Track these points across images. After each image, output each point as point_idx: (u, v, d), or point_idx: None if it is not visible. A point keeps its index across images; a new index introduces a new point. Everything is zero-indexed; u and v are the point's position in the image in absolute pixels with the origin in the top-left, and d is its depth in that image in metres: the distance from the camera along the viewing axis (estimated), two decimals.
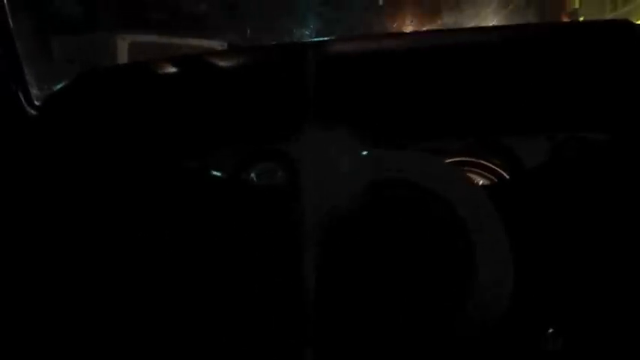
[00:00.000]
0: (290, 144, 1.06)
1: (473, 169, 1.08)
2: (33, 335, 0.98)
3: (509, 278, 0.89)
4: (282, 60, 1.04)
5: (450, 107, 1.02)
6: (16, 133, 1.06)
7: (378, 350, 0.90)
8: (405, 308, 0.89)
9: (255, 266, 0.95)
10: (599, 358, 0.92)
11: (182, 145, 1.06)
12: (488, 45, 0.98)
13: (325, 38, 1.06)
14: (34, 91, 1.15)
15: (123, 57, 2.17)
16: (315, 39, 1.07)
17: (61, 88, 1.04)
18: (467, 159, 1.08)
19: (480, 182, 1.07)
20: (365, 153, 0.96)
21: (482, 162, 1.08)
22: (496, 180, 1.06)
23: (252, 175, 1.08)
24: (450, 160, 1.08)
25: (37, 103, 1.12)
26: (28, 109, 1.10)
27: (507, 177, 1.05)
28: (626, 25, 0.95)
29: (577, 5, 4.41)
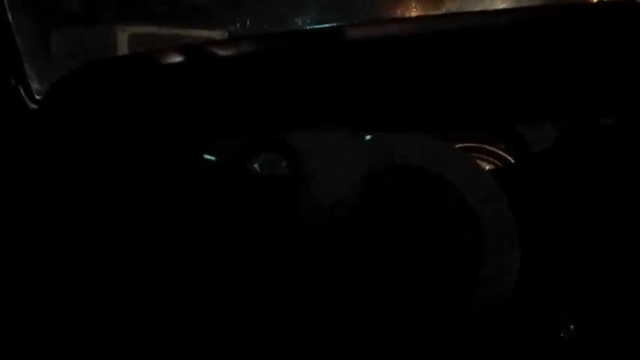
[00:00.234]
0: (293, 133, 1.05)
1: (479, 154, 1.07)
2: (33, 331, 0.98)
3: (516, 266, 0.88)
4: (283, 48, 1.03)
5: (456, 93, 1.01)
6: (18, 127, 1.06)
7: (385, 338, 0.90)
8: (411, 296, 0.89)
9: (260, 256, 0.95)
10: (610, 346, 0.92)
11: (184, 135, 1.06)
12: (495, 29, 0.96)
13: (327, 25, 1.05)
14: (35, 86, 1.14)
15: (123, 49, 2.16)
16: (317, 26, 1.06)
17: (60, 80, 1.04)
18: (473, 144, 1.07)
19: (487, 168, 1.07)
20: (369, 137, 0.95)
21: (488, 147, 1.07)
22: (503, 166, 1.06)
23: (256, 165, 1.08)
24: (457, 145, 1.07)
25: (37, 97, 1.12)
26: (29, 103, 1.09)
27: (514, 162, 1.04)
28: (632, 6, 0.94)
29: None
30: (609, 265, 0.92)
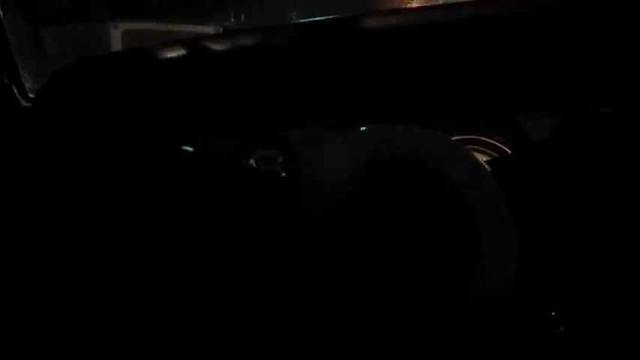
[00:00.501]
0: (290, 128, 1.05)
1: (477, 146, 1.07)
2: (33, 327, 0.98)
3: (514, 261, 0.88)
4: (279, 41, 1.02)
5: (453, 84, 1.00)
6: (11, 125, 1.05)
7: (381, 332, 0.90)
8: (407, 289, 0.89)
9: (256, 250, 0.95)
10: (603, 342, 0.91)
11: (180, 132, 1.05)
12: (492, 18, 0.96)
13: (321, 18, 1.05)
14: (28, 84, 1.14)
15: (117, 46, 2.15)
16: (311, 19, 1.05)
17: (53, 76, 1.03)
18: (470, 136, 1.07)
19: (484, 159, 1.06)
20: (365, 129, 0.94)
21: (485, 139, 1.07)
22: (500, 157, 1.05)
23: (252, 161, 1.08)
24: (454, 138, 1.07)
25: (31, 95, 1.11)
26: (23, 102, 1.09)
27: (511, 154, 1.04)
28: None
29: None
30: (607, 259, 0.92)
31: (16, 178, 1.00)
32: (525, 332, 0.92)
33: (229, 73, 1.02)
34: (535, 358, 0.92)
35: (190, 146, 1.04)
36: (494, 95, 1.02)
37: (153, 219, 0.99)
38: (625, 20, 0.93)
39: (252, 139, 1.06)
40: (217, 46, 1.04)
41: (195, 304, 0.97)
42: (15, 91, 1.09)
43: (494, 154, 1.07)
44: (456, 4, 0.98)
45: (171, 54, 1.03)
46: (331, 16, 1.03)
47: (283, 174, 1.04)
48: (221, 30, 2.25)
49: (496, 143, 1.07)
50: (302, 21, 1.07)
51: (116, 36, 2.13)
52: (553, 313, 0.92)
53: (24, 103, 1.09)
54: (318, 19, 1.04)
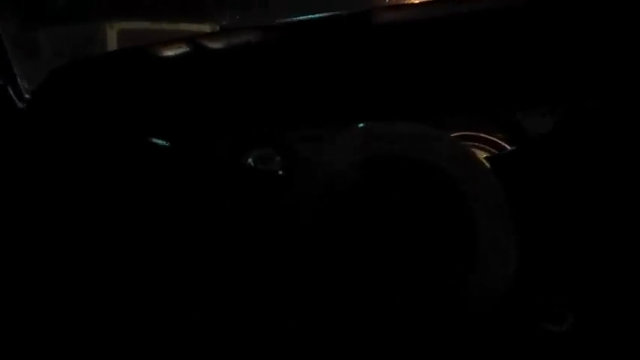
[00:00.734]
0: (287, 127, 1.04)
1: (476, 143, 1.07)
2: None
3: (513, 259, 0.87)
4: (277, 40, 1.02)
5: (451, 79, 1.00)
6: (7, 126, 1.05)
7: (377, 331, 0.89)
8: (404, 288, 0.88)
9: (254, 249, 0.94)
10: (609, 340, 0.91)
11: (175, 131, 1.05)
12: (489, 12, 0.95)
13: (317, 15, 1.04)
14: (24, 85, 1.13)
15: (112, 45, 2.15)
16: (306, 16, 1.05)
17: (49, 76, 1.03)
18: (470, 133, 1.07)
19: (484, 156, 1.06)
20: (362, 126, 0.94)
21: (485, 136, 1.06)
22: (499, 154, 1.05)
23: (250, 160, 1.07)
24: (453, 134, 1.06)
25: (27, 96, 1.10)
26: (18, 102, 1.08)
27: (511, 150, 1.04)
28: None
29: None
30: (608, 256, 0.91)
31: (11, 178, 1.00)
32: (524, 330, 0.91)
33: (226, 72, 1.02)
34: (534, 356, 0.92)
35: (187, 146, 1.04)
36: (493, 90, 1.02)
37: (149, 218, 0.98)
38: (623, 14, 0.92)
39: (249, 139, 1.06)
40: (214, 45, 1.03)
41: (193, 304, 0.96)
42: (10, 91, 1.08)
43: (493, 150, 1.07)
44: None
45: (169, 52, 1.03)
46: (328, 14, 1.03)
47: (281, 172, 1.04)
48: (218, 28, 2.24)
49: (496, 140, 1.06)
50: (298, 19, 1.06)
51: (112, 35, 2.12)
52: (553, 311, 0.91)
53: (19, 104, 1.08)
54: (314, 16, 1.04)
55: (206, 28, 2.24)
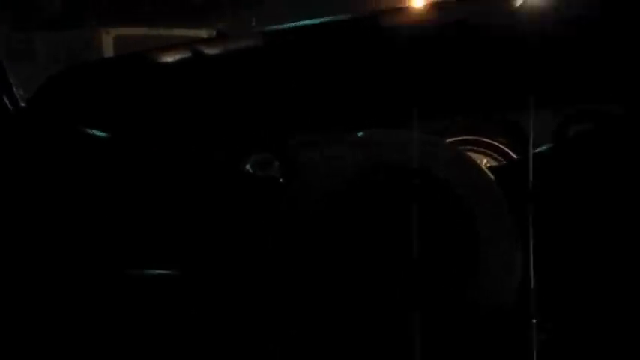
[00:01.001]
0: (285, 133, 1.03)
1: (477, 147, 1.06)
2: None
3: (516, 270, 0.86)
4: (272, 45, 1.01)
5: (453, 83, 0.99)
6: (3, 132, 1.04)
7: (377, 336, 0.89)
8: (404, 297, 0.87)
9: (253, 253, 0.94)
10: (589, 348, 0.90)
11: (172, 136, 1.04)
12: (493, 14, 0.94)
13: (312, 21, 1.04)
14: (20, 92, 1.12)
15: (109, 51, 2.15)
16: (302, 22, 1.04)
17: (48, 81, 1.02)
18: (470, 137, 1.06)
19: (485, 161, 1.05)
20: (361, 133, 0.93)
21: (486, 140, 1.06)
22: (502, 159, 1.04)
23: (248, 166, 1.06)
24: (454, 139, 1.05)
25: (22, 104, 1.09)
26: (13, 110, 1.07)
27: (514, 156, 1.03)
28: None
29: None
30: (613, 265, 0.90)
31: (9, 182, 0.99)
32: (513, 336, 0.91)
33: (224, 78, 1.01)
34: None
35: (186, 151, 1.03)
36: (493, 93, 1.01)
37: (149, 222, 0.98)
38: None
39: (247, 145, 1.05)
40: (211, 51, 1.02)
41: (194, 303, 0.96)
42: (5, 99, 1.07)
43: (495, 155, 1.06)
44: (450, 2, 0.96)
45: (167, 58, 1.02)
46: (323, 19, 1.02)
47: (279, 179, 1.03)
48: (214, 34, 2.24)
49: (497, 144, 1.05)
50: (295, 24, 1.06)
51: (108, 41, 2.12)
52: (552, 321, 0.90)
53: (15, 111, 1.07)
54: (311, 21, 1.03)
55: (202, 34, 2.24)
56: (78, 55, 2.10)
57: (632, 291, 0.89)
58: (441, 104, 1.02)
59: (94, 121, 1.01)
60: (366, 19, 0.98)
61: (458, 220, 0.87)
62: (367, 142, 0.92)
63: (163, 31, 2.22)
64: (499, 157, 1.06)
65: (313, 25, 1.03)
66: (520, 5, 0.93)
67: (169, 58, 1.03)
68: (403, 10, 0.97)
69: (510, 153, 1.05)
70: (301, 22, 1.03)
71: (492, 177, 0.89)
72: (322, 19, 1.01)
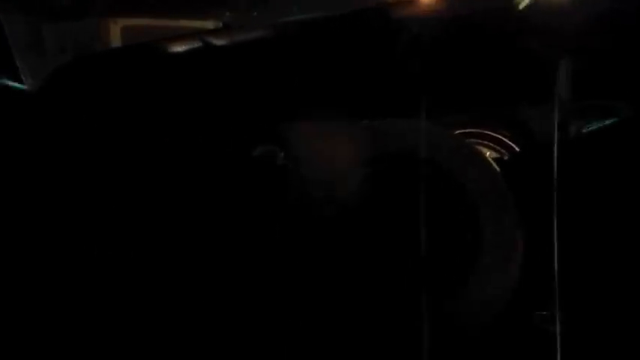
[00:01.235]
0: (292, 122, 1.04)
1: (481, 140, 1.06)
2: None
3: (515, 264, 0.87)
4: (282, 36, 1.01)
5: (458, 76, 0.99)
6: (11, 123, 1.05)
7: (377, 333, 0.89)
8: (404, 288, 0.88)
9: (258, 245, 0.94)
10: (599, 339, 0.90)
11: (180, 126, 1.05)
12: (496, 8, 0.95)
13: (321, 13, 1.04)
14: (28, 81, 1.13)
15: (116, 41, 2.15)
16: (311, 14, 1.05)
17: (54, 74, 1.03)
18: (475, 130, 1.06)
19: (488, 154, 1.05)
20: (366, 125, 0.94)
21: (490, 133, 1.06)
22: (506, 152, 1.04)
23: (254, 155, 1.07)
24: (459, 131, 1.06)
25: (31, 93, 1.10)
26: (22, 99, 1.08)
27: (518, 149, 1.03)
28: None
29: None
30: (616, 262, 0.90)
31: (17, 175, 1.00)
32: (519, 329, 0.91)
33: (231, 68, 1.02)
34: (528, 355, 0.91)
35: (193, 141, 1.04)
36: (498, 88, 1.01)
37: (156, 214, 0.98)
38: None
39: (254, 135, 1.06)
40: (218, 41, 1.03)
41: (196, 298, 0.96)
42: (14, 87, 1.08)
43: (499, 148, 1.06)
44: None
45: (174, 49, 1.03)
46: (330, 13, 1.02)
47: (284, 169, 1.04)
48: (220, 25, 2.24)
49: (501, 137, 1.06)
50: (303, 16, 1.06)
51: (115, 32, 2.12)
52: (545, 312, 0.91)
53: (24, 100, 1.08)
54: (318, 14, 1.03)
55: (208, 25, 2.23)
56: (85, 45, 2.09)
57: None
58: (450, 97, 1.03)
59: (102, 111, 1.02)
60: (374, 11, 0.99)
61: (461, 210, 0.88)
62: (378, 132, 0.92)
63: (170, 22, 2.22)
64: (502, 150, 1.06)
65: (319, 18, 1.03)
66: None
67: (177, 49, 1.03)
68: (412, 3, 0.97)
69: (514, 146, 1.05)
70: (306, 15, 1.03)
71: (497, 168, 0.90)
72: (329, 13, 1.01)
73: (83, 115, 1.01)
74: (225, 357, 0.96)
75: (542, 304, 0.90)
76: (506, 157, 1.04)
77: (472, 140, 1.06)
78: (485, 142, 1.06)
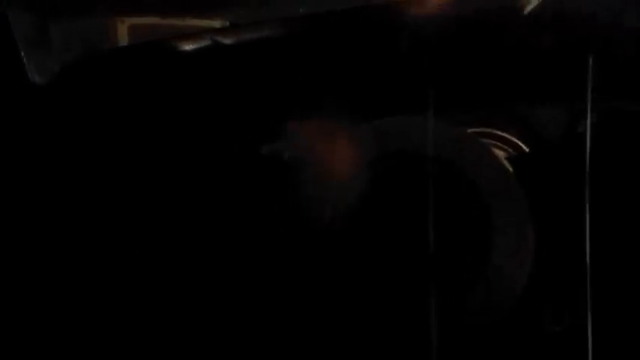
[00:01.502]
0: (298, 120, 1.03)
1: (490, 140, 1.05)
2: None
3: (527, 264, 0.86)
4: (288, 33, 1.01)
5: (465, 75, 0.99)
6: (17, 120, 1.05)
7: (383, 332, 0.89)
8: (412, 288, 0.87)
9: (263, 246, 0.94)
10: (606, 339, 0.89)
11: (187, 124, 1.05)
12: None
13: (330, 9, 1.03)
14: (35, 80, 1.13)
15: (123, 40, 2.15)
16: (319, 10, 1.04)
17: (61, 72, 1.03)
18: (484, 130, 1.06)
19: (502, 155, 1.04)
20: (375, 121, 0.93)
21: (499, 133, 1.05)
22: (515, 153, 1.04)
23: (260, 153, 1.06)
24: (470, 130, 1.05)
25: (37, 92, 1.10)
26: (28, 97, 1.08)
27: (527, 149, 1.02)
28: None
29: None
30: (629, 263, 0.90)
31: (23, 172, 1.00)
32: (525, 330, 0.90)
33: (236, 66, 1.01)
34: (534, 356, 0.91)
35: (200, 139, 1.03)
36: (505, 86, 1.01)
37: (162, 213, 0.98)
38: None
39: (259, 133, 1.05)
40: (226, 39, 1.03)
41: (199, 297, 0.96)
42: (20, 86, 1.08)
43: (508, 148, 1.05)
44: None
45: (182, 47, 1.03)
46: (339, 8, 1.02)
47: (290, 168, 1.03)
48: (227, 24, 2.24)
49: (510, 138, 1.05)
50: (311, 13, 1.06)
51: (122, 30, 2.12)
52: (552, 311, 0.90)
53: (28, 101, 1.08)
54: (327, 10, 1.03)
55: (215, 24, 2.23)
56: (92, 43, 2.10)
57: None
58: (459, 96, 1.02)
59: (109, 109, 1.02)
60: (383, 7, 0.98)
61: (472, 208, 0.88)
62: (385, 130, 0.92)
63: (178, 21, 2.23)
64: (511, 150, 1.05)
65: (325, 14, 1.03)
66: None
67: (184, 47, 1.03)
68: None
69: (523, 146, 1.05)
70: (312, 11, 1.03)
71: (510, 167, 0.89)
72: (332, 9, 1.01)
73: (90, 112, 1.01)
74: (226, 357, 0.96)
75: (552, 305, 0.89)
76: (515, 157, 1.03)
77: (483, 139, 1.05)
78: (494, 142, 1.06)
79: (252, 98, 1.03)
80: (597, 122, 0.92)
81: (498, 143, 1.05)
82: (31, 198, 0.99)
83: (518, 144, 1.04)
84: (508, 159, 1.02)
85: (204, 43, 1.02)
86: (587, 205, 0.87)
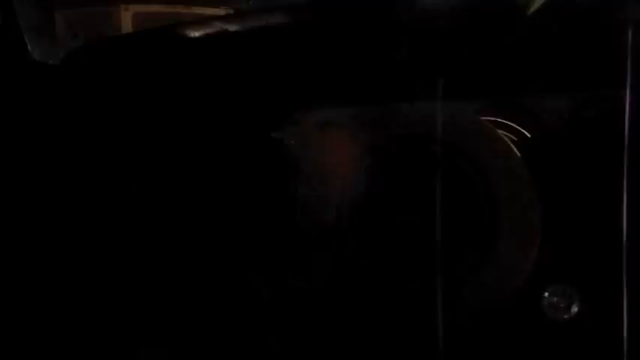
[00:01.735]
0: (304, 108, 1.03)
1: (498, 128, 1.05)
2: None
3: (533, 250, 0.86)
4: (292, 22, 1.01)
5: (471, 65, 0.98)
6: (22, 107, 1.05)
7: (392, 317, 0.89)
8: (420, 271, 0.88)
9: (268, 236, 0.94)
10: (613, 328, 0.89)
11: (190, 114, 1.05)
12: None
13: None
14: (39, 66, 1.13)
15: (127, 28, 2.15)
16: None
17: (65, 59, 1.03)
18: (488, 118, 1.05)
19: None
20: (386, 107, 0.93)
21: (503, 121, 1.05)
22: (519, 140, 1.03)
23: (264, 144, 1.06)
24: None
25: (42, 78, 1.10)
26: (32, 84, 1.08)
27: (530, 137, 1.02)
28: None
29: None
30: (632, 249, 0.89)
31: (28, 160, 1.00)
32: (530, 319, 0.91)
33: (242, 55, 1.01)
34: (540, 344, 0.91)
35: (202, 128, 1.04)
36: (510, 76, 1.01)
37: (166, 203, 0.99)
38: None
39: (269, 120, 1.05)
40: (232, 27, 1.02)
41: (201, 289, 0.97)
42: (25, 72, 1.08)
43: (513, 137, 1.05)
44: None
45: (186, 34, 1.03)
46: None
47: (296, 157, 1.03)
48: (231, 12, 2.23)
49: (515, 125, 1.05)
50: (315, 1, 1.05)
51: (126, 18, 2.13)
52: (558, 300, 0.90)
53: (33, 87, 1.08)
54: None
55: (220, 11, 2.23)
56: (96, 31, 2.10)
57: None
58: (465, 84, 1.02)
59: (113, 95, 1.02)
60: None
61: (480, 192, 0.88)
62: (396, 115, 0.92)
63: (182, 9, 2.22)
64: (515, 138, 1.05)
65: (333, 2, 1.03)
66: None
67: (188, 34, 1.03)
68: None
69: (527, 134, 1.04)
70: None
71: (517, 152, 0.89)
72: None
73: (94, 99, 1.02)
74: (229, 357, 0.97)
75: (554, 291, 0.89)
76: (520, 145, 1.03)
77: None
78: (500, 131, 1.06)
79: (257, 85, 1.03)
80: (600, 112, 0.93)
81: (502, 131, 1.05)
82: (35, 180, 0.99)
83: (522, 132, 1.04)
84: (522, 147, 1.02)
85: (208, 30, 1.02)
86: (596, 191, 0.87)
